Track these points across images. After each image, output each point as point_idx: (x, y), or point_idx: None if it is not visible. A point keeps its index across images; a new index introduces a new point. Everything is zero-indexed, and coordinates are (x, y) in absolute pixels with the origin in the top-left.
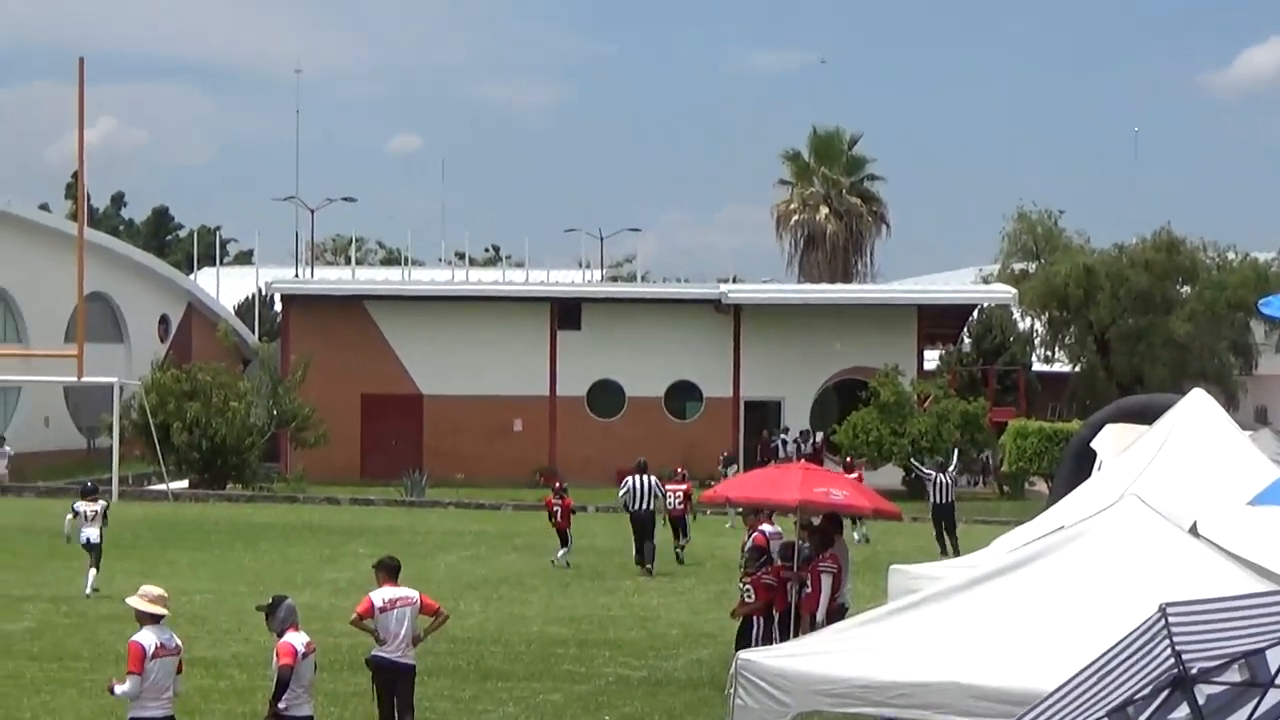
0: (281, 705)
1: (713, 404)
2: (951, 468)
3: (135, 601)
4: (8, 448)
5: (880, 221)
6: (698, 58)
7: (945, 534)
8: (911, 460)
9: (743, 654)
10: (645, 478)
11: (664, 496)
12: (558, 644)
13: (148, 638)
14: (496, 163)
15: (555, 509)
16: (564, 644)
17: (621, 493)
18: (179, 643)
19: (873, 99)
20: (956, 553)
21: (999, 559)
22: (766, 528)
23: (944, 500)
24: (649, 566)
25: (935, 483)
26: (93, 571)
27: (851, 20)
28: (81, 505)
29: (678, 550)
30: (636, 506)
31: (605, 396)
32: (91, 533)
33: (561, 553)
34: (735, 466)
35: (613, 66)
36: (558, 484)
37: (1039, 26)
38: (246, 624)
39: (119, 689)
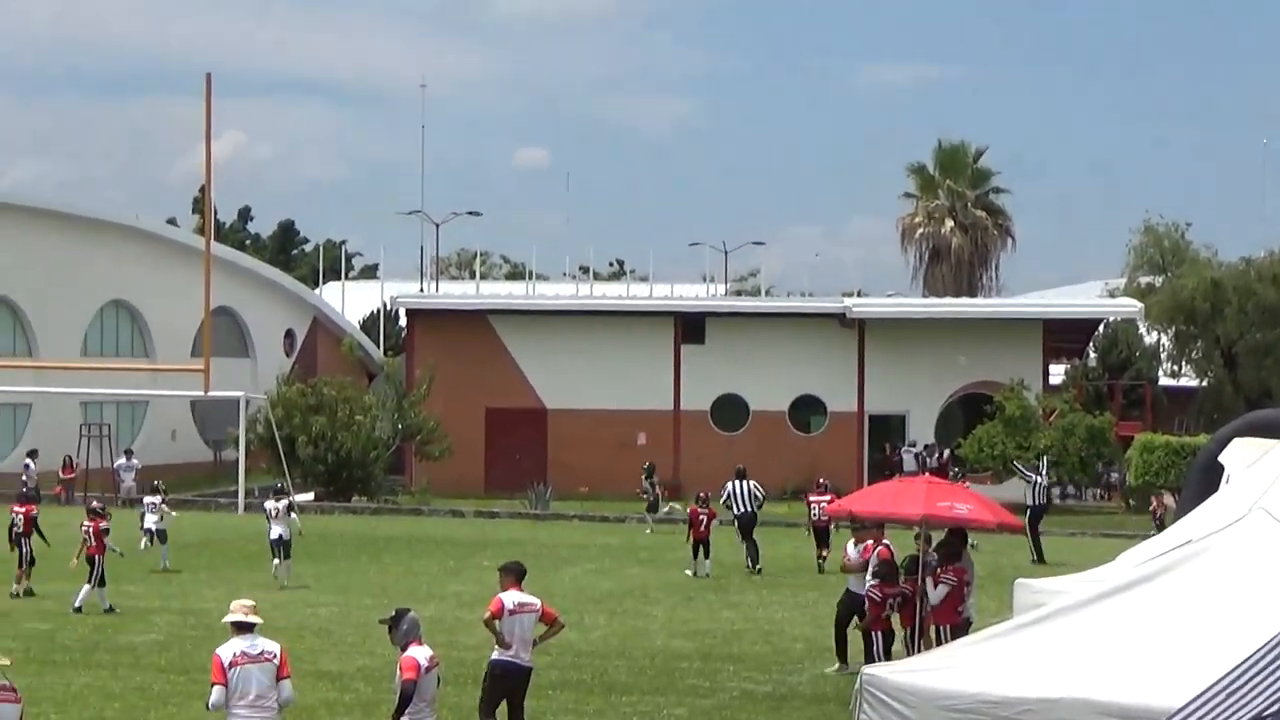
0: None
1: (837, 418)
2: (1044, 471)
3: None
4: (135, 460)
5: (1005, 235)
6: (823, 71)
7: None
8: (1014, 463)
9: (867, 669)
10: (744, 483)
11: (764, 500)
12: (681, 658)
13: (228, 647)
14: (621, 176)
15: (702, 518)
16: (688, 658)
17: (723, 498)
18: (266, 649)
19: (998, 111)
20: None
21: (1125, 573)
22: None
23: (1037, 503)
24: (757, 566)
25: (1034, 485)
26: (275, 562)
27: (976, 33)
28: (270, 504)
29: (820, 561)
30: (737, 510)
31: (729, 410)
32: (281, 530)
33: (706, 564)
34: (656, 477)
35: (738, 81)
36: (701, 494)
37: (1164, 38)
38: (371, 637)
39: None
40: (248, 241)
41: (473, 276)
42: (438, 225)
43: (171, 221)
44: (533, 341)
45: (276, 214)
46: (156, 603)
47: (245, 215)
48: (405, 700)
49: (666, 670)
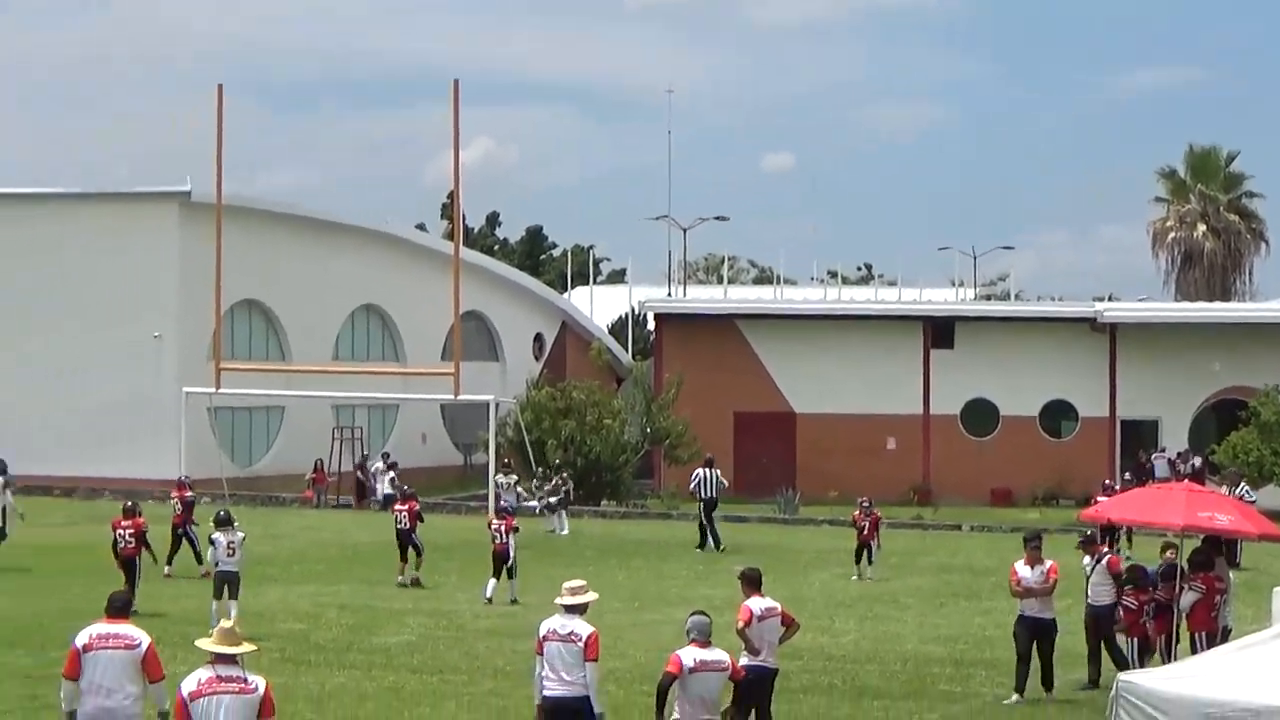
0: (676, 717)
1: (1088, 423)
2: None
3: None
4: (395, 472)
5: (1259, 239)
6: (1074, 75)
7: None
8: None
9: (1123, 675)
10: (713, 470)
11: (726, 487)
12: (933, 663)
13: (546, 623)
14: (869, 181)
15: (864, 524)
16: (939, 663)
17: (693, 484)
18: (575, 630)
19: (1251, 114)
20: None
21: None
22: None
23: None
24: (721, 548)
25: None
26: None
27: (1229, 36)
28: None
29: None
30: (705, 495)
31: (979, 415)
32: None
33: (869, 569)
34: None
35: (989, 85)
36: (864, 500)
37: None
38: (622, 639)
39: None
40: (496, 247)
41: (720, 281)
42: (685, 230)
43: (420, 227)
44: (781, 346)
45: (524, 219)
46: (409, 604)
47: (493, 221)
48: (659, 694)
49: (918, 675)
